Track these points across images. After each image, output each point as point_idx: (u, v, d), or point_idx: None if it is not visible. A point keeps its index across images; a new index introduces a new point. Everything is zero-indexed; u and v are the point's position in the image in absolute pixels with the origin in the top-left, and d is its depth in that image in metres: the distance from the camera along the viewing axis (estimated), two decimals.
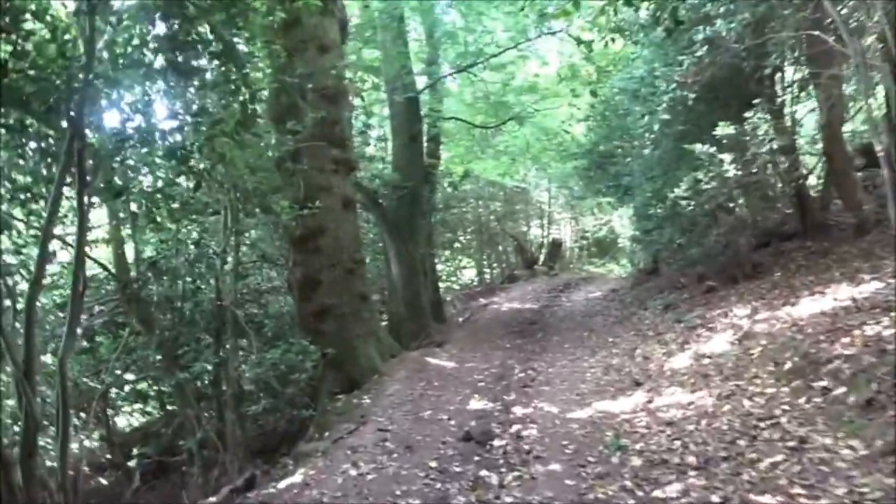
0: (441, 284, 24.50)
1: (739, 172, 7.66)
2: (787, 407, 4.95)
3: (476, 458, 5.49)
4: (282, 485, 5.37)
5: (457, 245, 24.54)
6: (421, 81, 14.46)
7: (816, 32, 7.16)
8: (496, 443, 5.85)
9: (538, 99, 16.07)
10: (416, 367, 8.86)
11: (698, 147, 7.47)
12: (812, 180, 11.74)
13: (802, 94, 10.84)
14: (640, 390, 6.84)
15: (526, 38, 13.84)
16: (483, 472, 5.13)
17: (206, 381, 8.49)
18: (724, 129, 7.43)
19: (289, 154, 8.05)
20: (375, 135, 15.20)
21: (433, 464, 5.34)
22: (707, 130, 8.63)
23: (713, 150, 7.44)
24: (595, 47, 14.54)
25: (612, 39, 10.30)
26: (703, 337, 8.06)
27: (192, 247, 8.14)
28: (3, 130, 4.69)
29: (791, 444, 4.35)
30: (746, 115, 8.89)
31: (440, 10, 13.32)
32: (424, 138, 16.61)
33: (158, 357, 7.73)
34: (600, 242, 30.69)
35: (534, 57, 15.50)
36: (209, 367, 7.65)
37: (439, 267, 23.66)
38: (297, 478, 5.37)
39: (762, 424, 4.82)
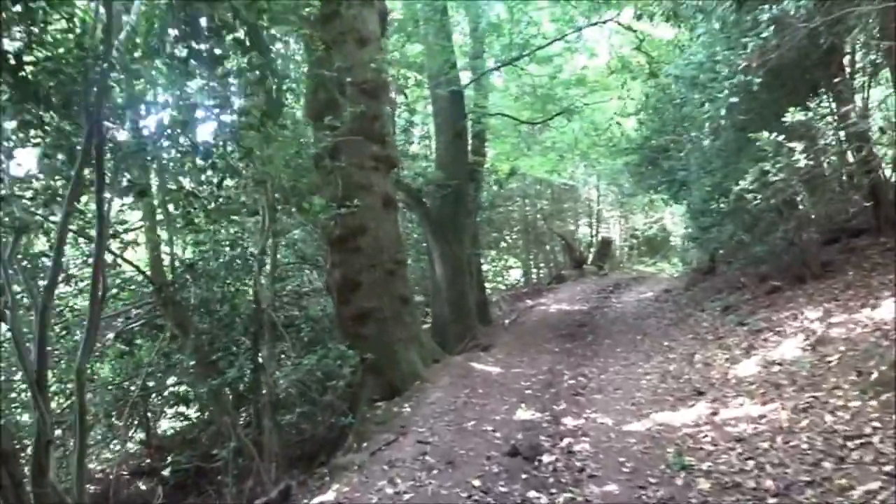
0: (487, 285, 24.11)
1: (811, 162, 6.99)
2: (878, 424, 4.36)
3: (523, 476, 5.04)
4: (314, 502, 5.02)
5: (503, 245, 24.05)
6: (465, 77, 14.05)
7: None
8: (545, 458, 5.39)
9: (587, 92, 15.48)
10: (459, 372, 8.44)
11: (765, 136, 6.84)
12: (887, 171, 10.89)
13: (874, 77, 10.06)
14: (703, 400, 6.27)
15: (574, 28, 13.28)
16: (531, 493, 4.67)
17: (244, 387, 8.23)
18: (793, 116, 6.78)
19: (327, 151, 7.73)
20: (419, 132, 14.84)
21: (476, 482, 4.90)
22: (772, 119, 7.97)
23: (781, 138, 6.80)
24: (648, 35, 14.05)
25: (672, 22, 9.72)
26: (771, 342, 7.43)
27: (228, 248, 7.88)
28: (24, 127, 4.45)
29: (889, 468, 3.78)
30: (814, 101, 8.23)
31: (484, 1, 12.86)
32: (469, 135, 16.23)
33: (192, 362, 7.48)
34: (651, 241, 29.76)
35: (582, 49, 14.91)
36: (246, 372, 7.37)
37: (485, 267, 23.22)
38: (329, 495, 5.00)
39: (850, 444, 4.25)
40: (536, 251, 24.45)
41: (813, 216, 8.76)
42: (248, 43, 4.02)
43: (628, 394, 7.23)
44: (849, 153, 9.88)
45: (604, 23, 13.16)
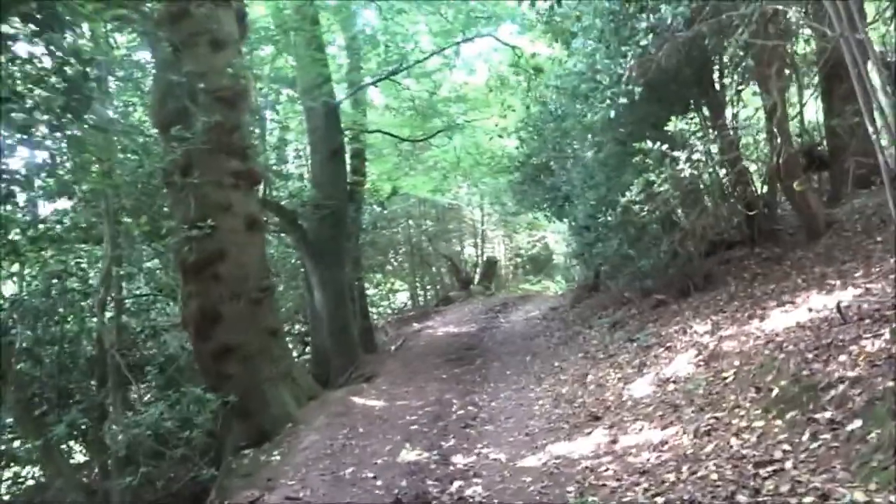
0: (372, 310, 23.30)
1: (695, 172, 6.84)
2: (787, 447, 4.02)
3: None
4: None
5: (388, 268, 23.38)
6: (341, 92, 13.36)
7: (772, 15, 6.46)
8: None
9: (467, 109, 15.19)
10: (338, 410, 7.63)
11: (648, 144, 6.61)
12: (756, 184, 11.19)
13: (743, 93, 10.29)
14: (600, 427, 5.84)
15: (451, 42, 12.94)
16: None
17: (84, 441, 7.03)
18: (676, 125, 6.60)
19: (177, 166, 6.76)
20: (293, 150, 13.94)
21: None
22: (651, 131, 7.86)
23: (665, 147, 6.60)
24: (525, 52, 13.96)
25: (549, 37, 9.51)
26: (663, 358, 7.17)
27: (56, 281, 6.71)
28: None
29: (809, 500, 3.39)
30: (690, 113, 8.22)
31: (357, 8, 12.26)
32: (348, 154, 15.52)
33: (10, 418, 6.25)
34: (535, 260, 30.13)
35: (461, 65, 14.65)
36: (80, 425, 6.23)
37: (370, 291, 22.44)
38: None
39: (762, 472, 3.86)
40: (423, 273, 23.96)
41: (694, 228, 8.70)
42: (39, 18, 3.13)
43: (521, 422, 6.71)
44: (720, 166, 10.03)
45: (481, 37, 12.90)
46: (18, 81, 3.43)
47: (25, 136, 3.65)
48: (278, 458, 6.28)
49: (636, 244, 9.03)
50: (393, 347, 14.35)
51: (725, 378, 5.60)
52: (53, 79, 3.39)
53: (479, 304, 20.28)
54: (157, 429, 5.82)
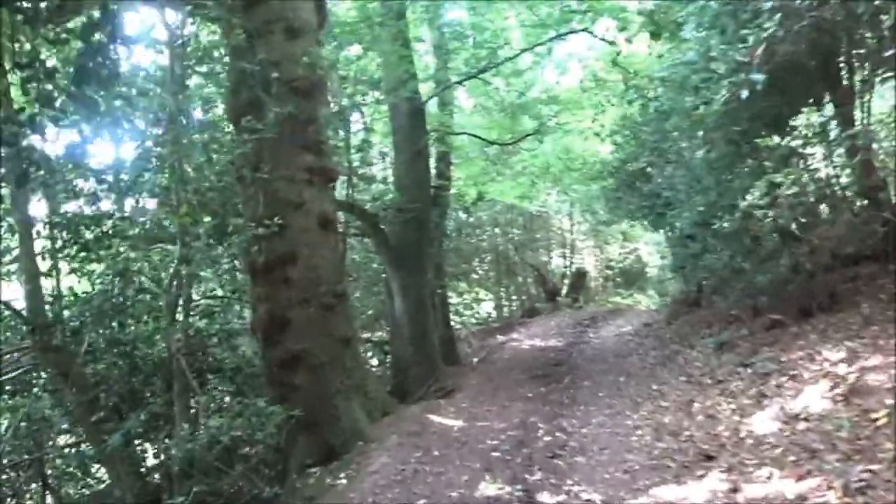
0: (455, 320, 22.69)
1: (833, 171, 5.81)
2: None
3: None
4: None
5: (473, 276, 22.74)
6: (427, 92, 12.86)
7: None
8: None
9: (558, 110, 14.36)
10: (413, 428, 7.01)
11: (775, 140, 5.65)
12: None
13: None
14: (716, 469, 4.94)
15: (544, 39, 12.18)
16: None
17: (155, 449, 6.72)
18: (808, 117, 5.60)
19: (248, 159, 6.36)
20: (377, 153, 13.55)
21: None
22: (771, 127, 6.85)
23: (796, 143, 5.62)
24: (623, 50, 13.05)
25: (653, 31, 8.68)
26: (787, 388, 6.15)
27: (125, 278, 6.43)
28: None
29: None
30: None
31: (445, 2, 11.73)
32: (433, 157, 15.02)
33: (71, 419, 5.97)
34: (626, 272, 28.73)
35: (553, 64, 13.85)
36: (141, 431, 5.88)
37: (453, 300, 21.87)
38: None
39: None
40: (508, 283, 23.17)
41: (822, 239, 7.58)
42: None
43: (618, 456, 5.86)
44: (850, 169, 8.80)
45: (575, 33, 12.08)
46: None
47: (47, 109, 3.23)
48: (345, 481, 5.72)
49: (750, 256, 7.98)
50: (475, 360, 13.68)
51: (876, 420, 4.59)
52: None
53: (566, 316, 19.32)
54: (216, 443, 5.37)
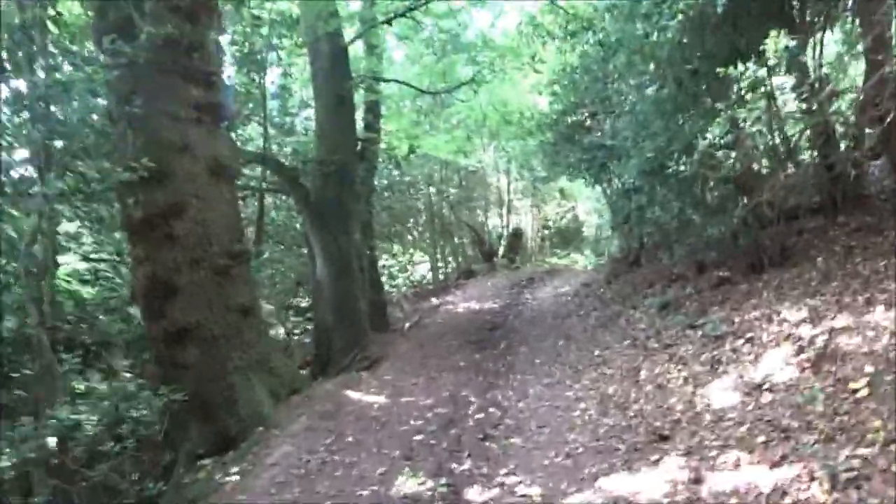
0: (390, 283, 21.76)
1: (805, 105, 5.09)
2: None
3: None
4: None
5: (409, 238, 21.82)
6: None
7: None
8: None
9: (493, 58, 13.38)
10: (326, 409, 6.10)
11: (739, 69, 4.86)
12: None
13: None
14: (673, 452, 4.22)
15: None
16: None
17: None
18: (777, 42, 4.80)
19: (114, 91, 5.19)
20: (297, 101, 12.29)
21: None
22: (728, 64, 6.10)
23: (762, 71, 4.83)
24: None
25: None
26: (744, 354, 5.52)
27: None
28: None
29: None
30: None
31: None
32: (361, 108, 13.89)
33: None
34: (563, 232, 28.32)
35: (489, 6, 12.84)
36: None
37: (387, 262, 20.93)
38: None
39: None
40: (444, 244, 22.32)
41: (775, 190, 6.95)
42: None
43: (558, 436, 5.12)
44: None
45: None
46: None
47: None
48: (237, 477, 4.77)
49: (700, 207, 7.32)
50: (407, 325, 12.85)
51: (856, 392, 3.94)
52: None
53: (503, 277, 18.68)
54: (67, 439, 4.34)
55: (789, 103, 5.06)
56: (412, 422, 5.68)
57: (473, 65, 13.12)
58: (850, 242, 7.13)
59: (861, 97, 7.05)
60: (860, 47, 7.36)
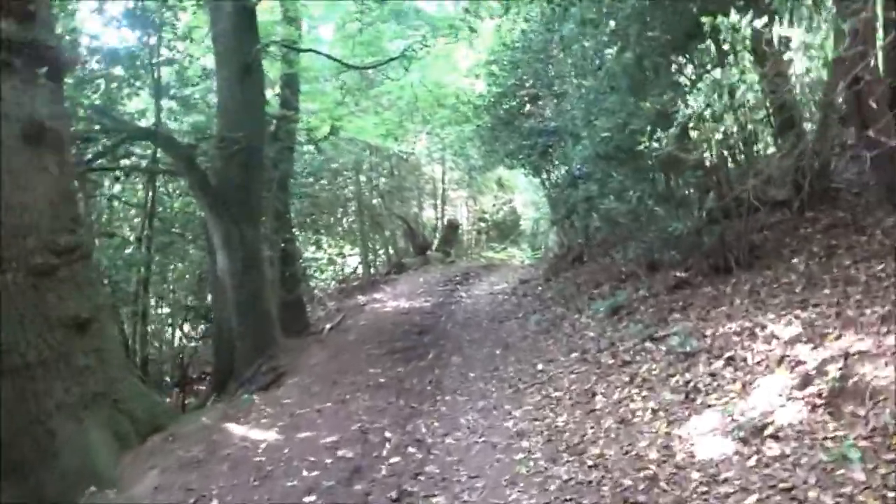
0: (317, 278, 20.20)
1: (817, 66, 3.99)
2: None
3: None
4: None
5: (339, 229, 20.25)
6: None
7: None
8: None
9: (428, 31, 12.07)
10: (193, 454, 4.69)
11: (734, 17, 3.71)
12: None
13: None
14: None
15: None
16: None
17: None
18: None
19: None
20: (199, 68, 10.63)
21: None
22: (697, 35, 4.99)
23: (762, 24, 3.68)
24: None
25: None
26: (726, 379, 4.42)
27: None
28: None
29: None
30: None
31: None
32: (277, 84, 12.39)
33: None
34: (500, 225, 27.30)
35: None
36: None
37: (316, 255, 19.37)
38: None
39: None
40: (375, 236, 20.87)
41: (746, 179, 5.92)
42: None
43: (495, 493, 3.87)
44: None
45: None
46: None
47: None
48: None
49: (662, 198, 6.23)
50: (328, 327, 11.44)
51: None
52: None
53: (437, 272, 17.42)
54: None
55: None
56: (305, 472, 4.32)
57: (404, 38, 11.78)
58: (830, 241, 6.19)
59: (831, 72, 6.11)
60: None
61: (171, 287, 10.06)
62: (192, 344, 10.61)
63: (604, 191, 6.59)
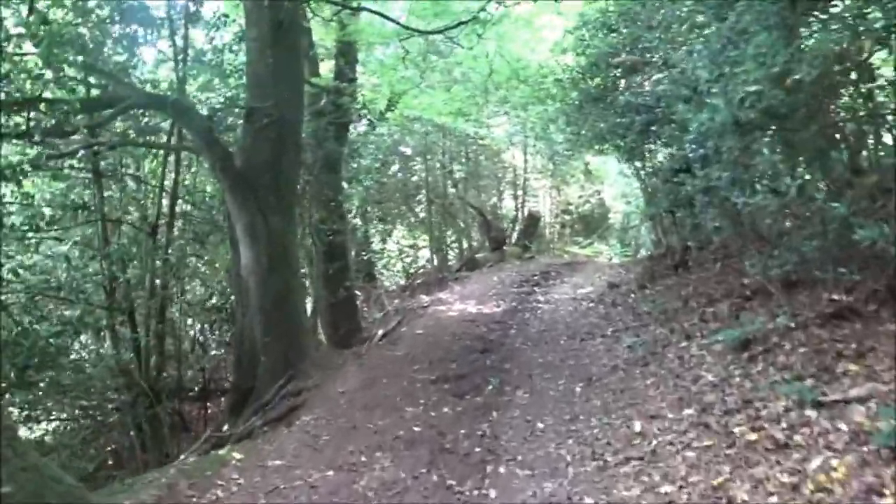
0: (388, 270, 18.68)
1: None
2: None
3: None
4: None
5: (411, 219, 18.63)
6: None
7: None
8: None
9: None
10: None
11: None
12: None
13: None
14: None
15: None
16: None
17: None
18: None
19: None
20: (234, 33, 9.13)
21: None
22: None
23: None
24: None
25: None
26: None
27: None
28: None
29: None
30: None
31: None
32: (332, 51, 10.84)
33: None
34: (587, 218, 24.95)
35: None
36: None
37: (388, 247, 17.90)
38: None
39: None
40: (446, 228, 19.12)
41: None
42: None
43: None
44: None
45: None
46: None
47: None
48: None
49: (837, 189, 4.12)
50: (380, 333, 9.80)
51: None
52: None
53: (513, 270, 15.48)
54: None
55: None
56: None
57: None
58: None
59: None
60: None
61: (186, 285, 8.57)
62: (213, 352, 9.19)
63: (740, 176, 4.52)
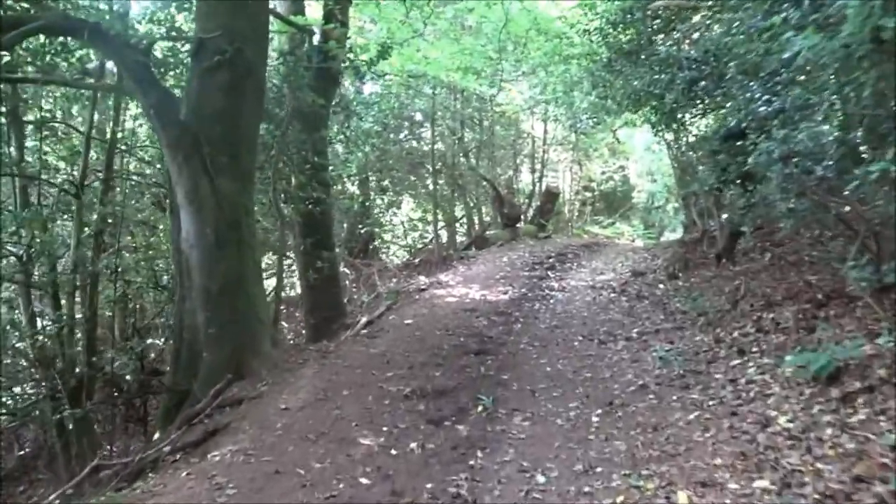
0: (393, 247, 17.27)
1: None
2: None
3: None
4: None
5: (422, 190, 17.03)
6: None
7: None
8: None
9: None
10: None
11: None
12: None
13: None
14: None
15: None
16: None
17: None
18: None
19: None
20: None
21: None
22: None
23: None
24: None
25: None
26: None
27: None
28: None
29: None
30: None
31: None
32: None
33: None
34: (608, 196, 23.22)
35: None
36: None
37: (394, 220, 16.47)
38: None
39: None
40: (455, 201, 17.51)
41: None
42: None
43: None
44: None
45: None
46: None
47: None
48: None
49: None
50: (363, 321, 8.38)
51: None
52: None
53: (525, 250, 13.90)
54: None
55: None
56: None
57: None
58: None
59: None
60: None
61: (117, 259, 7.08)
62: (151, 340, 7.75)
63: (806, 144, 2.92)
